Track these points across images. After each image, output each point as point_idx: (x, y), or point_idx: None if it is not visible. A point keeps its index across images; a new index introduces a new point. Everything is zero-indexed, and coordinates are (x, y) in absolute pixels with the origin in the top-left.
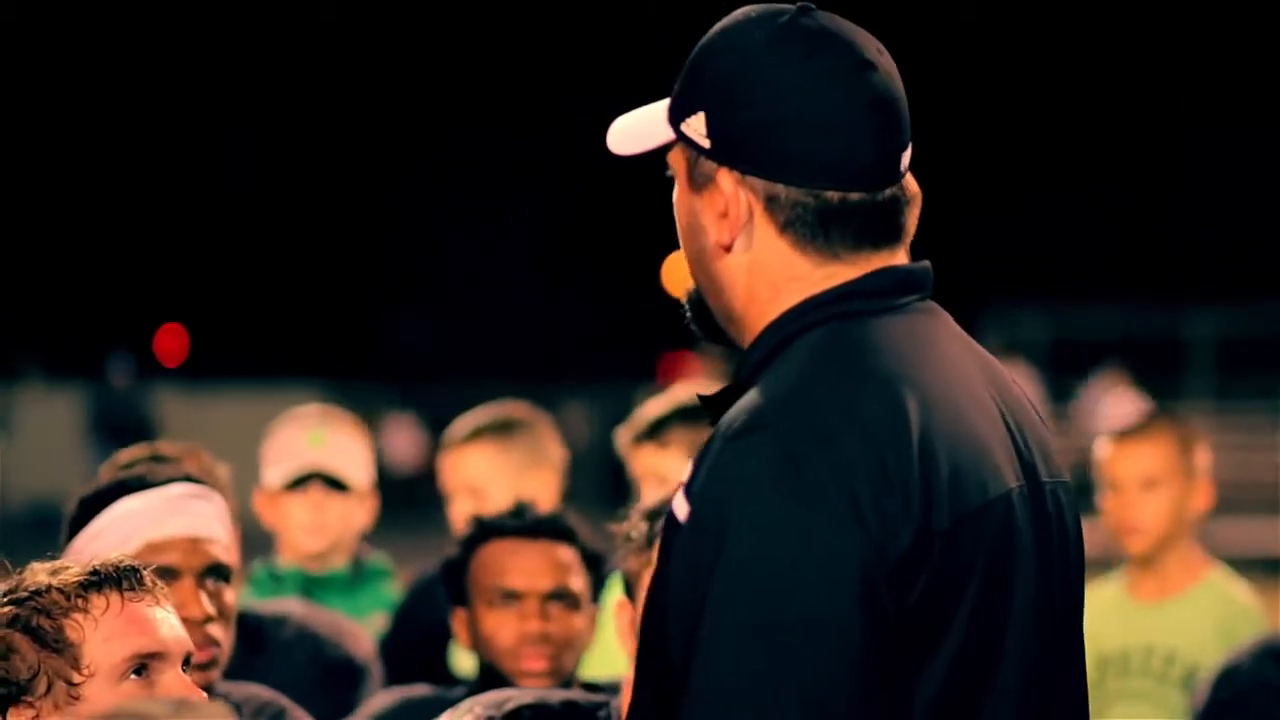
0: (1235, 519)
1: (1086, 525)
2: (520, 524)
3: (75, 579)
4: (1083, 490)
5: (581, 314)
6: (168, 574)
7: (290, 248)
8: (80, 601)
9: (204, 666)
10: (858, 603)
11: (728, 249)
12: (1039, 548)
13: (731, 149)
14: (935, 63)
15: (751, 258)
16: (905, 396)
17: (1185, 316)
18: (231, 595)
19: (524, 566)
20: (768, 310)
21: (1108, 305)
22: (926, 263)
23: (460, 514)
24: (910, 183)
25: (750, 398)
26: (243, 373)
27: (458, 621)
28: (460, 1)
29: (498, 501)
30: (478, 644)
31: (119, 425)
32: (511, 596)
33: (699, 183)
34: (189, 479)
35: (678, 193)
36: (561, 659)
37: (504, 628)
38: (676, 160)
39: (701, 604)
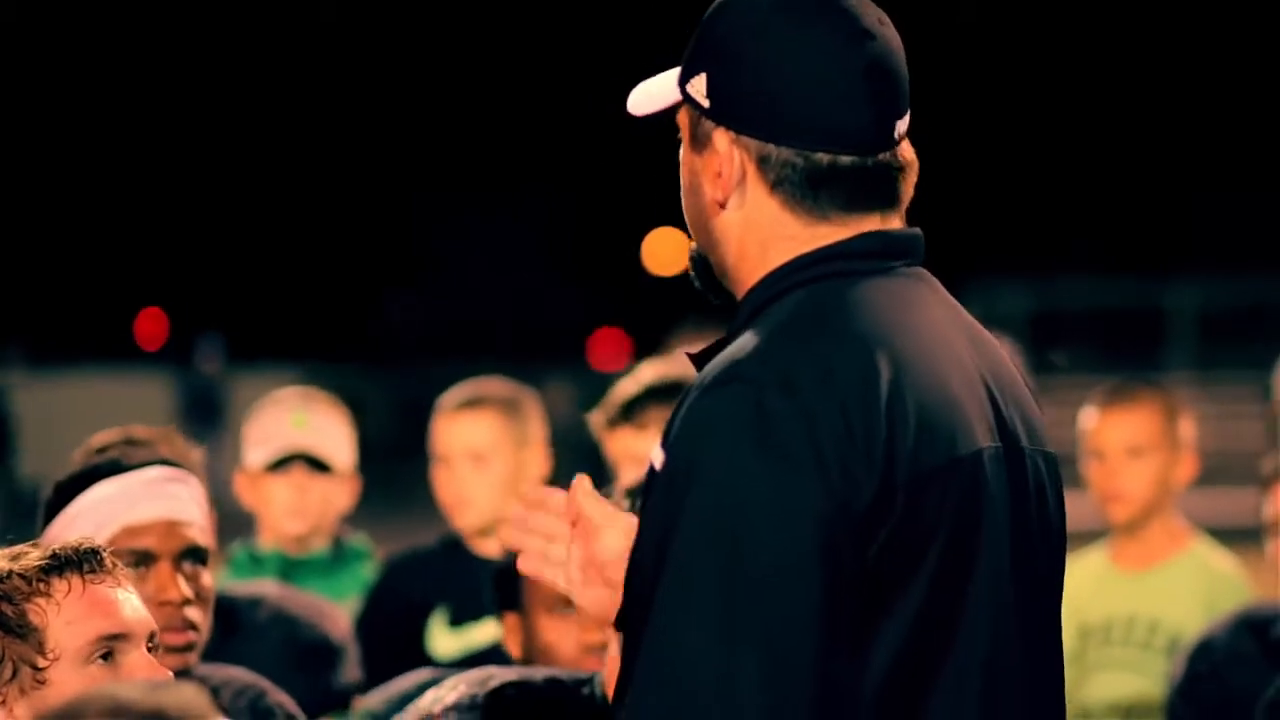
0: (1218, 489)
1: (1073, 496)
2: None
3: (35, 563)
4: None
5: (562, 295)
6: (145, 557)
7: (270, 231)
8: (41, 586)
9: (182, 649)
10: (818, 554)
11: (722, 206)
12: (1014, 512)
13: (727, 109)
14: (923, 36)
15: (744, 216)
16: (876, 354)
17: (1166, 288)
18: (209, 578)
19: None
20: (757, 268)
21: (1088, 277)
22: (917, 229)
23: (455, 479)
24: (906, 150)
25: (727, 351)
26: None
27: (508, 628)
28: None
29: (499, 471)
30: (531, 651)
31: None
32: (572, 606)
33: (700, 142)
34: (164, 462)
35: (682, 152)
36: None
37: (566, 637)
38: (683, 121)
39: (665, 549)
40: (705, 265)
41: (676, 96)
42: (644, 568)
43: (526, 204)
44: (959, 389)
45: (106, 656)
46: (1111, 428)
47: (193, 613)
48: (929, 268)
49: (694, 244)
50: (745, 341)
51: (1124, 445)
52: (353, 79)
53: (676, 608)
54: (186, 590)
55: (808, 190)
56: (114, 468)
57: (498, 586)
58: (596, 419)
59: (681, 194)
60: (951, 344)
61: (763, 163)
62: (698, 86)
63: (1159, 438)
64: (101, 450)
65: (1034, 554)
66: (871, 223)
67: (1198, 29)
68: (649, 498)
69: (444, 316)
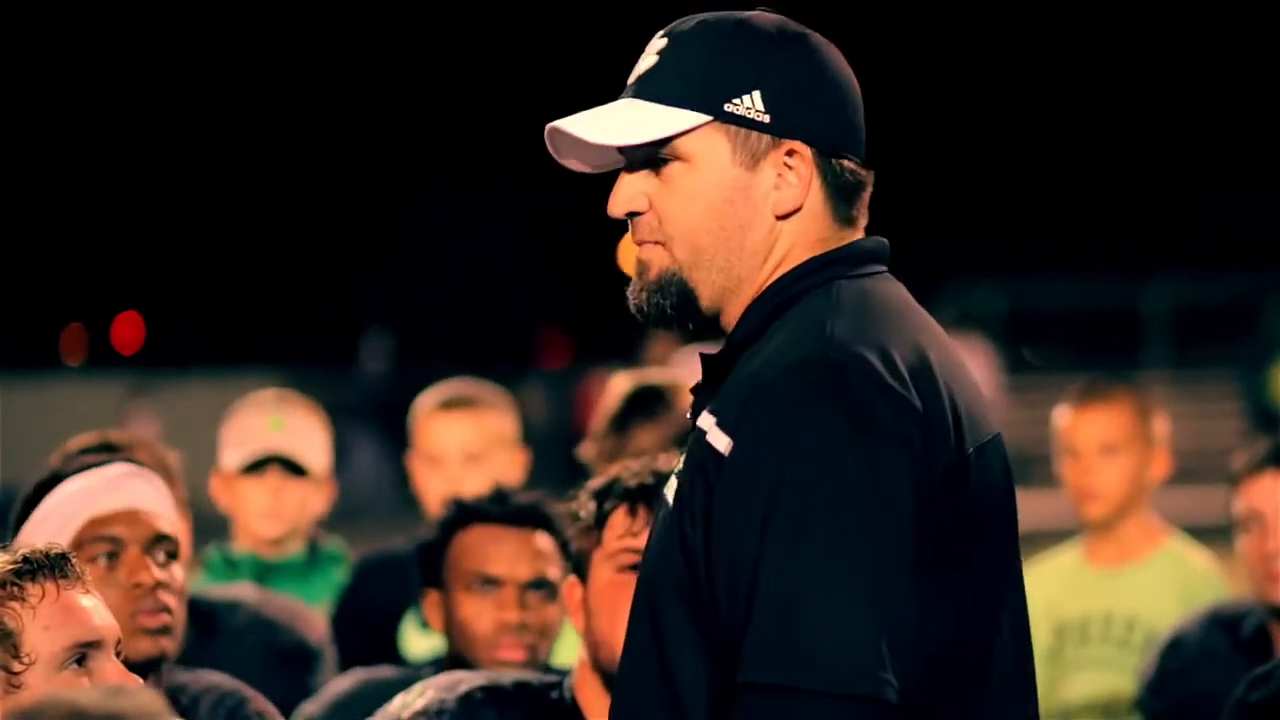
0: (1193, 488)
1: (1047, 494)
2: (503, 510)
3: (8, 567)
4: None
5: (537, 297)
6: (114, 545)
7: (247, 234)
8: (16, 590)
9: (156, 632)
10: (911, 514)
11: (783, 218)
12: (1005, 493)
13: (793, 121)
14: (903, 36)
15: (797, 222)
16: (920, 341)
17: (1142, 287)
18: (180, 571)
19: (505, 554)
20: (776, 273)
21: (1065, 277)
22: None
23: (448, 478)
24: None
25: (788, 339)
26: (200, 360)
27: (429, 604)
28: None
29: (491, 471)
30: (450, 628)
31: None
32: (491, 583)
33: (750, 158)
34: (128, 460)
35: (703, 174)
36: (537, 649)
37: (482, 615)
38: (703, 141)
39: (763, 523)
40: (684, 290)
41: (694, 120)
42: (695, 548)
43: (499, 200)
44: (970, 380)
45: (80, 662)
46: (1085, 426)
47: (167, 597)
48: (908, 266)
49: (671, 266)
50: (801, 329)
51: (1098, 443)
52: (316, 66)
53: (790, 569)
54: (160, 574)
55: (842, 197)
56: (79, 468)
57: (421, 564)
58: (588, 451)
59: (690, 216)
60: (945, 341)
61: (822, 170)
62: (748, 104)
63: (1133, 436)
64: (76, 455)
65: (1013, 538)
66: (857, 231)
67: (1177, 29)
68: (706, 477)
69: (412, 319)
